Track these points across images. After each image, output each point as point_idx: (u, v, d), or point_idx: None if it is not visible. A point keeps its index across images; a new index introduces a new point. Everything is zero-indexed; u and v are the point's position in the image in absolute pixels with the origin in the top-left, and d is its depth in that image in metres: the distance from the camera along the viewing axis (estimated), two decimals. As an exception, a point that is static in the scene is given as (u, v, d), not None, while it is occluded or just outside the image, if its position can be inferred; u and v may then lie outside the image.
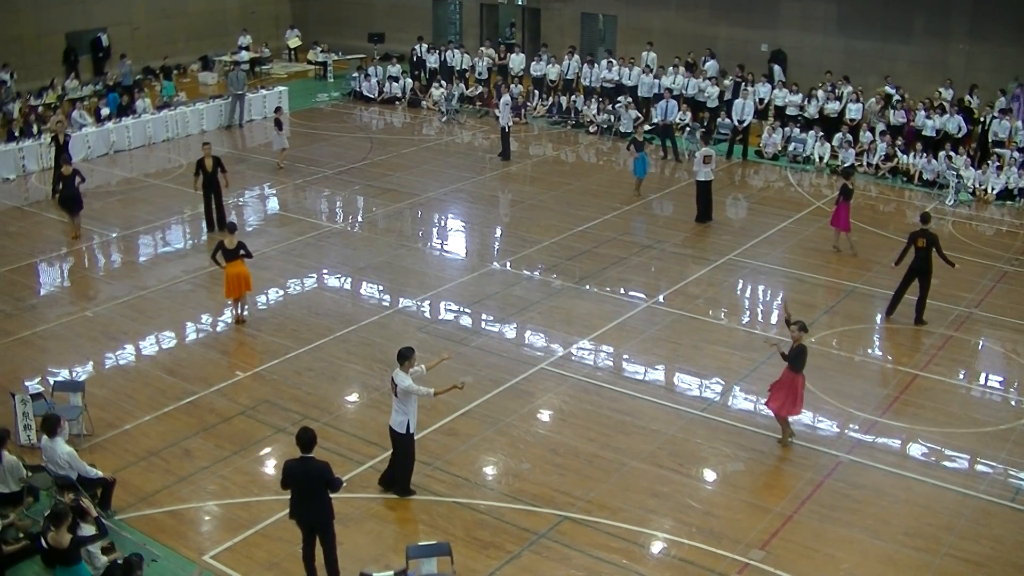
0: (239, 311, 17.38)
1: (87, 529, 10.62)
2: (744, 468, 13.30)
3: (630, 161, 24.59)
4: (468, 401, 14.71)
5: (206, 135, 29.32)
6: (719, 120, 28.47)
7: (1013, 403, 15.31)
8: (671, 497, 12.65)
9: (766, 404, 13.82)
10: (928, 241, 17.13)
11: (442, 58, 34.44)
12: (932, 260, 17.15)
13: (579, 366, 15.90)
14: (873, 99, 27.73)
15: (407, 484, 12.57)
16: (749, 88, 28.45)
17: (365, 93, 34.02)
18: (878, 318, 17.91)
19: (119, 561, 10.70)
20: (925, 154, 25.36)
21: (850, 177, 20.75)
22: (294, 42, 39.90)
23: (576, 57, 32.24)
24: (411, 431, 12.26)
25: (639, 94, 30.22)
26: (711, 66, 30.30)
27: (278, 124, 26.26)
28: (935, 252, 17.12)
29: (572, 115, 30.87)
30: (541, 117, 31.53)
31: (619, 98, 30.05)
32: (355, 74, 34.84)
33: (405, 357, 12.04)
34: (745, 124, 27.45)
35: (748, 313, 18.61)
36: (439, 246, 21.72)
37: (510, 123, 27.02)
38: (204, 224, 21.54)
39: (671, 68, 30.16)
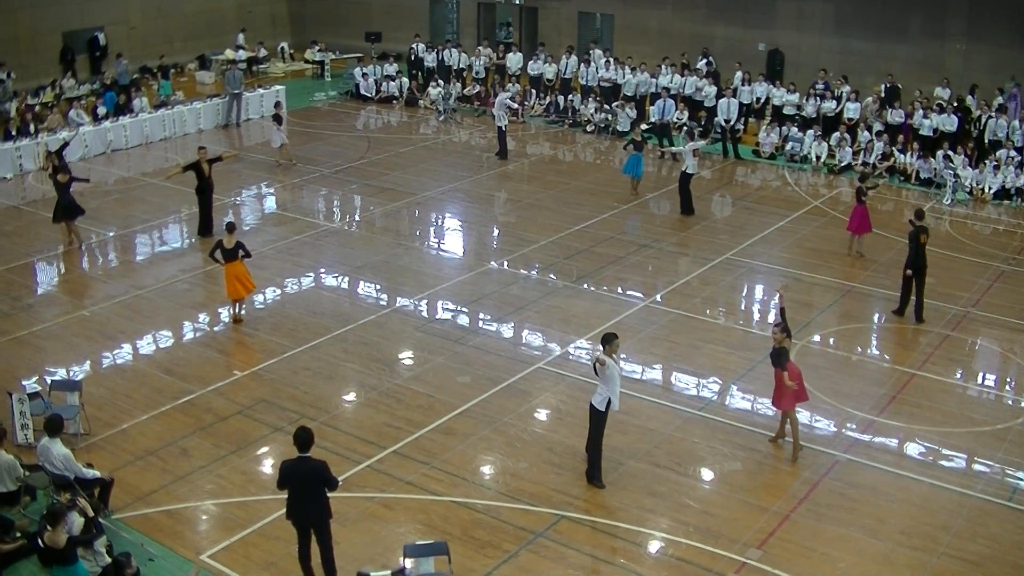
0: (236, 310, 17.37)
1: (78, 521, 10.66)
2: (741, 467, 13.31)
3: (624, 159, 24.59)
4: (465, 400, 14.74)
5: (203, 134, 29.37)
6: (716, 119, 28.48)
7: (1010, 402, 15.34)
8: (668, 496, 12.66)
9: (775, 406, 13.79)
10: (927, 236, 17.24)
11: (440, 57, 34.43)
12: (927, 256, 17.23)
13: (576, 365, 15.89)
14: (870, 98, 27.76)
15: (596, 467, 12.85)
16: (743, 87, 28.58)
17: (362, 92, 34.01)
18: (875, 317, 17.93)
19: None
20: (922, 153, 25.40)
21: (864, 181, 20.75)
22: (241, 53, 36.99)
23: (573, 56, 32.27)
24: (612, 407, 12.60)
25: (627, 92, 30.36)
26: (704, 64, 30.46)
27: (277, 119, 26.26)
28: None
29: (569, 114, 30.88)
30: (538, 116, 31.54)
31: (621, 98, 30.19)
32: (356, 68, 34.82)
33: (608, 341, 12.55)
34: (731, 123, 27.49)
35: (745, 312, 18.62)
36: (436, 245, 21.71)
37: (506, 122, 27.03)
38: (199, 231, 21.35)
39: (667, 68, 30.28)
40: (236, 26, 38.04)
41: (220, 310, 17.67)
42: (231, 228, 17.41)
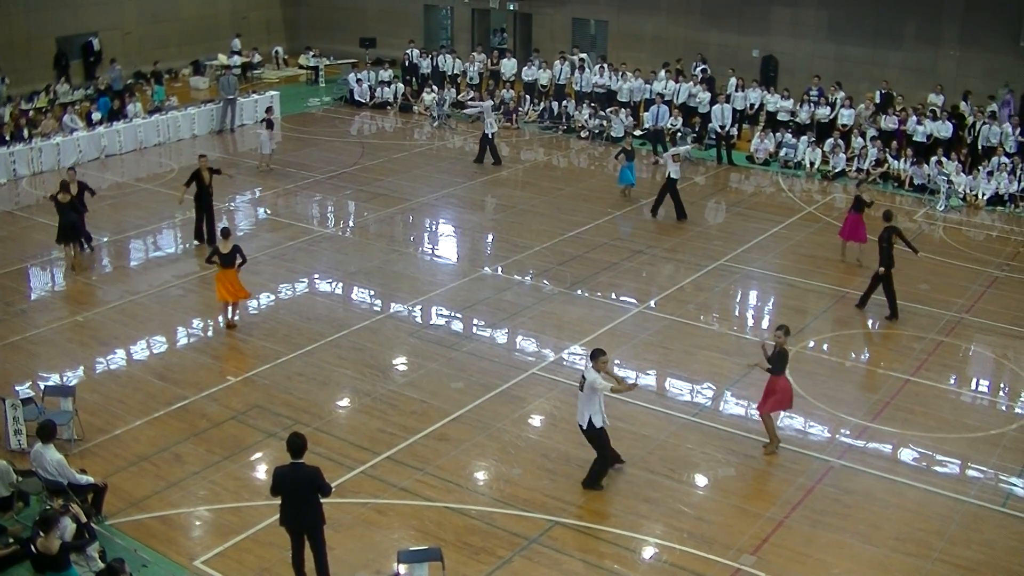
0: (230, 316, 17.35)
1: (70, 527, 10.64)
2: (735, 473, 13.31)
3: (618, 170, 24.58)
4: (459, 406, 14.73)
5: (197, 140, 29.34)
6: (710, 125, 28.52)
7: (1003, 408, 15.36)
8: (662, 502, 12.65)
9: (757, 409, 13.85)
10: (899, 236, 17.61)
11: (434, 63, 34.48)
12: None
13: (570, 371, 15.87)
14: (863, 104, 27.84)
15: (595, 478, 12.85)
16: (737, 93, 28.65)
17: (357, 98, 34.01)
18: (869, 323, 17.96)
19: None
20: (915, 160, 25.47)
21: (860, 187, 20.76)
22: (236, 59, 36.56)
23: (567, 62, 32.31)
24: (595, 425, 12.53)
25: (621, 98, 30.43)
26: (699, 71, 30.55)
27: (269, 124, 26.23)
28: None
29: (563, 120, 30.91)
30: (532, 122, 31.57)
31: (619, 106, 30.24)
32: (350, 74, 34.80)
33: (595, 357, 12.50)
34: (726, 129, 27.54)
35: (739, 318, 18.63)
36: (430, 251, 21.72)
37: (495, 129, 27.00)
38: (194, 236, 21.12)
39: (663, 73, 30.34)
40: (231, 31, 38.04)
41: (217, 317, 17.63)
42: (226, 234, 17.44)
